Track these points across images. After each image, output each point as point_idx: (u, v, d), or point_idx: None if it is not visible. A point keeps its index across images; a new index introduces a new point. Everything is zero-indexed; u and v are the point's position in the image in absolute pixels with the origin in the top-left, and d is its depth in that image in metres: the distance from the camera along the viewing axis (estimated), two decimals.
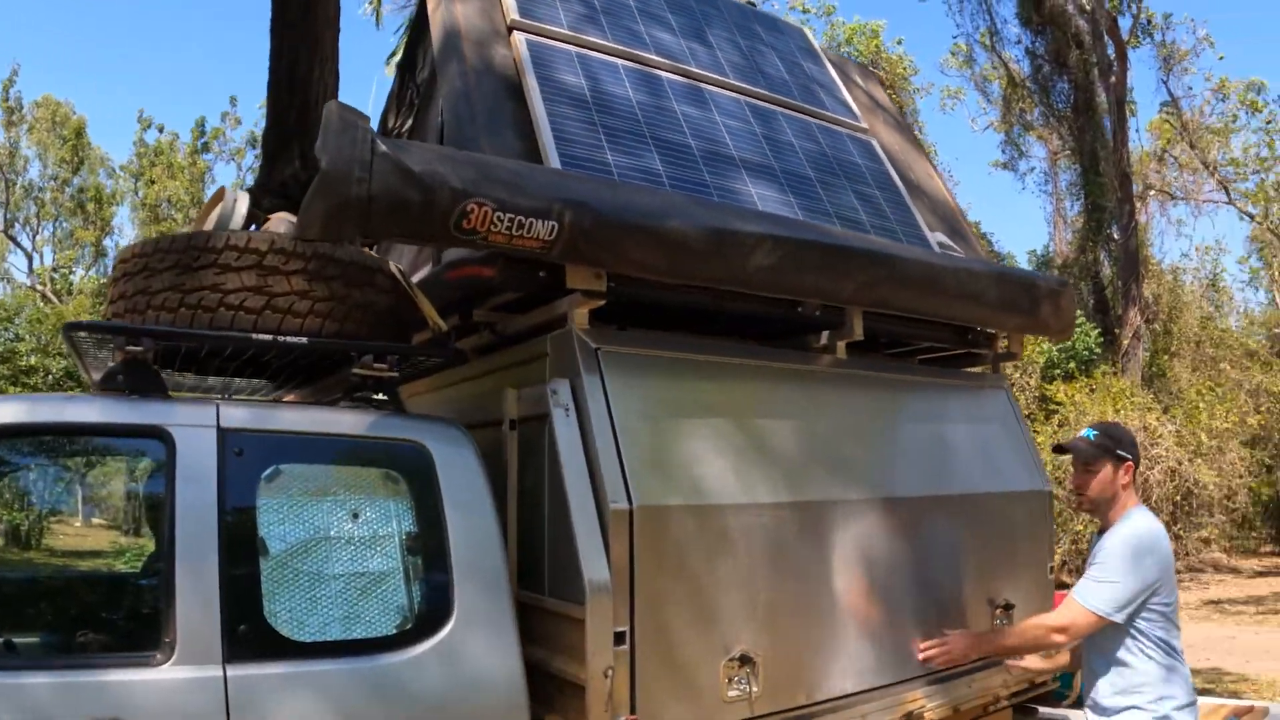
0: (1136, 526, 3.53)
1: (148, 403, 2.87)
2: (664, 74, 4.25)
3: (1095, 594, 3.43)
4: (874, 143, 5.18)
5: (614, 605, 2.95)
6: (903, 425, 4.18)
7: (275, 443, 2.94)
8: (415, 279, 3.62)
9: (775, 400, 3.71)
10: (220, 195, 3.59)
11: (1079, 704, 5.46)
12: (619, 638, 2.95)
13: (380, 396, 3.30)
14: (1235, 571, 22.32)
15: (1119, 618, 3.40)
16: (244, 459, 2.84)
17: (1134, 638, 3.46)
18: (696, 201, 3.48)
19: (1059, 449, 3.88)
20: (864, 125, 5.24)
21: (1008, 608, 4.30)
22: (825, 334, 4.08)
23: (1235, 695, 9.45)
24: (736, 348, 3.71)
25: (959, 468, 4.31)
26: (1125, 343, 23.17)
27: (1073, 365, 23.18)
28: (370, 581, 2.92)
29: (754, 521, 3.37)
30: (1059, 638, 3.56)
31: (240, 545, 2.76)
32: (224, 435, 2.84)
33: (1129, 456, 3.63)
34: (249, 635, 2.67)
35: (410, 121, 4.48)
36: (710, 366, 3.56)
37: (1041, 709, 5.28)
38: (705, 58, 4.57)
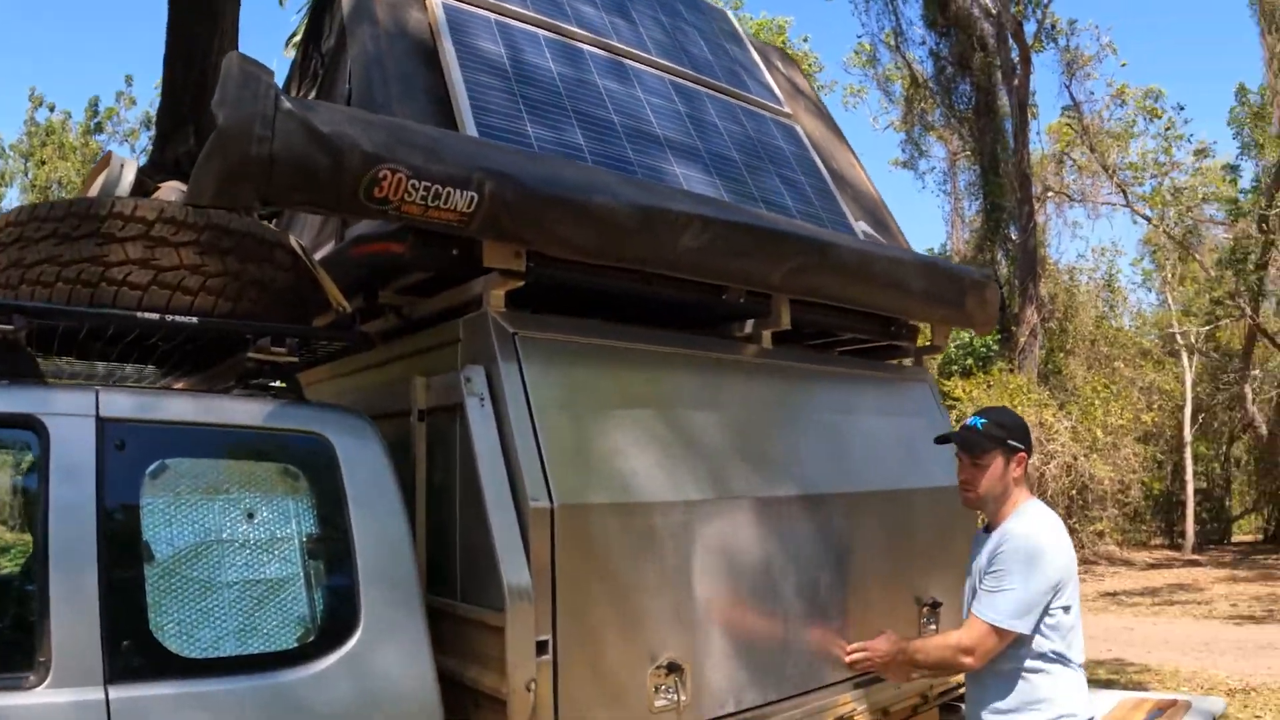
0: (1033, 523, 3.23)
1: (17, 389, 2.50)
2: (586, 47, 4.02)
3: (996, 607, 3.12)
4: (798, 128, 5.02)
5: (535, 612, 2.71)
6: (830, 419, 4.02)
7: (161, 434, 2.60)
8: (317, 256, 3.34)
9: (701, 391, 3.50)
10: (106, 161, 3.25)
11: None
12: (541, 647, 2.71)
13: (277, 384, 3.02)
14: (1128, 564, 22.88)
15: (1025, 627, 3.11)
16: (126, 452, 2.50)
17: (1027, 646, 3.15)
18: (623, 178, 3.25)
19: (942, 439, 3.54)
20: (788, 110, 5.08)
21: (935, 605, 4.18)
22: (750, 322, 3.92)
23: (1140, 686, 9.58)
24: (660, 335, 3.49)
25: (886, 463, 4.18)
26: (1022, 340, 23.58)
27: (970, 362, 23.55)
28: (268, 589, 2.61)
29: (681, 520, 3.16)
30: (967, 660, 3.19)
31: (122, 550, 2.42)
32: (104, 425, 2.48)
33: (1021, 446, 3.31)
34: (133, 652, 2.34)
35: (314, 93, 4.17)
36: (633, 354, 3.34)
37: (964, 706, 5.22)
38: (628, 33, 4.36)
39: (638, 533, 3.03)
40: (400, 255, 3.07)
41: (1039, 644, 3.14)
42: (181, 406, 2.72)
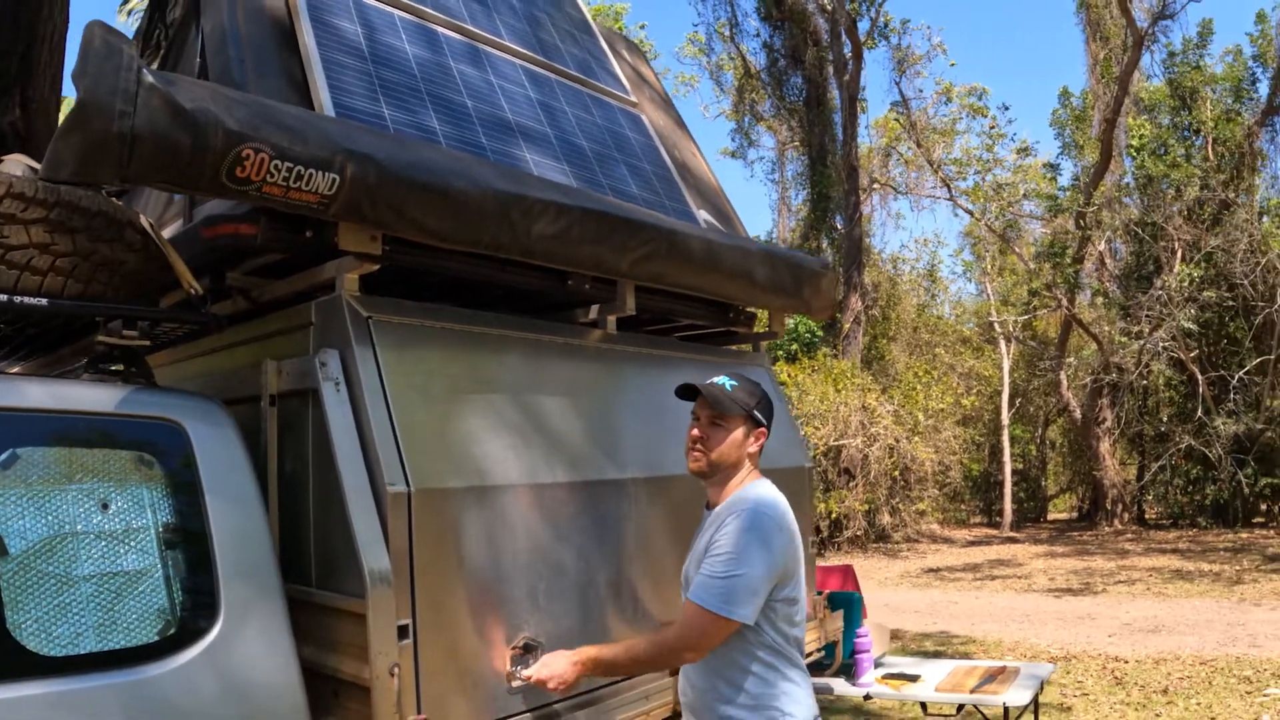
0: (761, 499, 2.95)
1: None
2: (442, 30, 4.00)
3: (719, 593, 2.79)
4: (643, 118, 5.10)
5: (395, 597, 2.71)
6: (674, 403, 4.10)
7: (10, 422, 2.48)
8: (165, 236, 3.25)
9: (552, 376, 3.55)
10: None
11: (841, 673, 5.70)
12: (402, 631, 2.72)
13: (125, 369, 2.92)
14: (949, 541, 23.88)
15: (750, 616, 2.81)
16: None
17: (746, 639, 2.88)
18: (482, 163, 3.26)
19: (687, 391, 3.19)
20: (634, 99, 5.15)
21: None
22: (595, 308, 3.98)
23: (966, 656, 10.04)
24: (512, 320, 3.51)
25: None
26: (847, 327, 24.31)
27: (795, 347, 24.19)
28: (126, 582, 2.52)
29: (535, 503, 3.21)
30: (691, 656, 2.90)
31: None
32: None
33: (764, 424, 3.11)
34: None
35: (157, 65, 4.03)
36: (485, 339, 3.35)
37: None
38: (483, 18, 4.35)
39: (493, 516, 3.06)
40: (252, 237, 2.99)
41: (766, 628, 2.90)
42: (31, 392, 2.58)
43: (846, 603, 5.60)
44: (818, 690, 5.49)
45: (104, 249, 2.78)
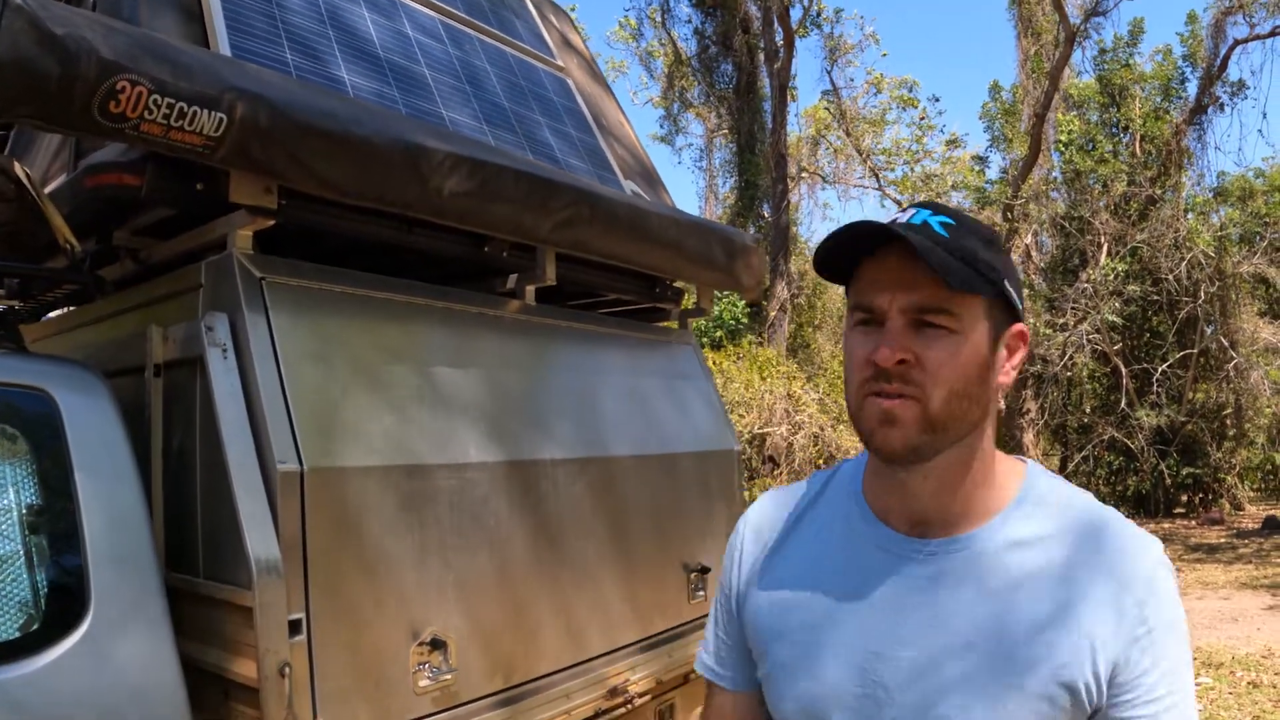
0: (1134, 532, 1.40)
1: None
2: None
3: None
4: (569, 82, 4.85)
5: (287, 588, 2.43)
6: (598, 380, 3.88)
7: None
8: (48, 190, 2.94)
9: (462, 348, 3.28)
10: None
11: None
12: (294, 627, 2.43)
13: None
14: None
15: None
16: None
17: None
18: (388, 112, 2.99)
19: (842, 245, 1.34)
20: (560, 63, 4.90)
21: (704, 571, 4.13)
22: (513, 277, 3.72)
23: None
24: (420, 288, 3.23)
25: (656, 426, 4.08)
26: (772, 314, 24.27)
27: (720, 334, 24.09)
28: None
29: (443, 484, 2.94)
30: None
31: None
32: None
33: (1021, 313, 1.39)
34: None
35: None
36: (390, 307, 3.07)
37: None
38: None
39: (396, 498, 2.78)
40: (137, 188, 2.69)
41: None
42: None
43: None
44: None
45: None
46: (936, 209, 1.35)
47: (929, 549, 1.35)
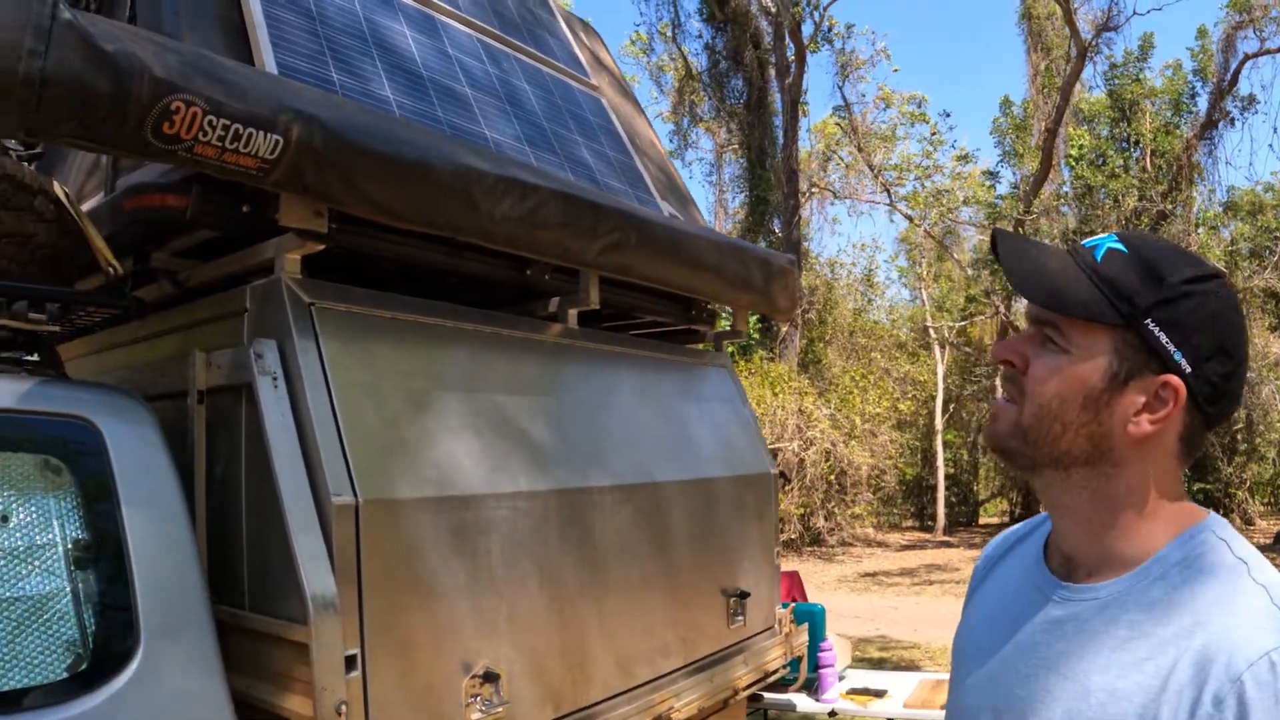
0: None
1: None
2: None
3: None
4: (603, 101, 4.79)
5: (343, 624, 2.35)
6: (639, 404, 3.82)
7: None
8: (83, 209, 2.87)
9: (509, 373, 3.22)
10: None
11: (804, 688, 5.46)
12: (349, 663, 2.35)
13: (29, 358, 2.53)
14: (884, 545, 23.88)
15: None
16: None
17: None
18: (440, 135, 2.93)
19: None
20: (594, 82, 4.85)
21: (742, 596, 4.06)
22: (554, 301, 3.67)
23: (911, 664, 9.88)
24: (468, 312, 3.16)
25: (696, 451, 4.02)
26: (783, 330, 24.21)
27: (731, 349, 24.02)
28: (30, 609, 2.11)
29: (494, 515, 2.86)
30: None
31: None
32: None
33: (1189, 364, 1.23)
34: None
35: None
36: (438, 332, 3.01)
37: (767, 695, 5.19)
38: None
39: (448, 529, 2.71)
40: (181, 210, 2.62)
41: None
42: None
43: (810, 615, 5.35)
44: (780, 708, 5.27)
45: (10, 219, 2.42)
46: (1124, 237, 1.30)
47: (1063, 592, 1.32)
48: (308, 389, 2.51)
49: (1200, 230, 23.65)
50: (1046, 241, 1.43)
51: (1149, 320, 1.22)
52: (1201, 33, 25.37)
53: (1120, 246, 1.27)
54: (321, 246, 2.68)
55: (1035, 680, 1.28)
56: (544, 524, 3.05)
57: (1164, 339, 1.22)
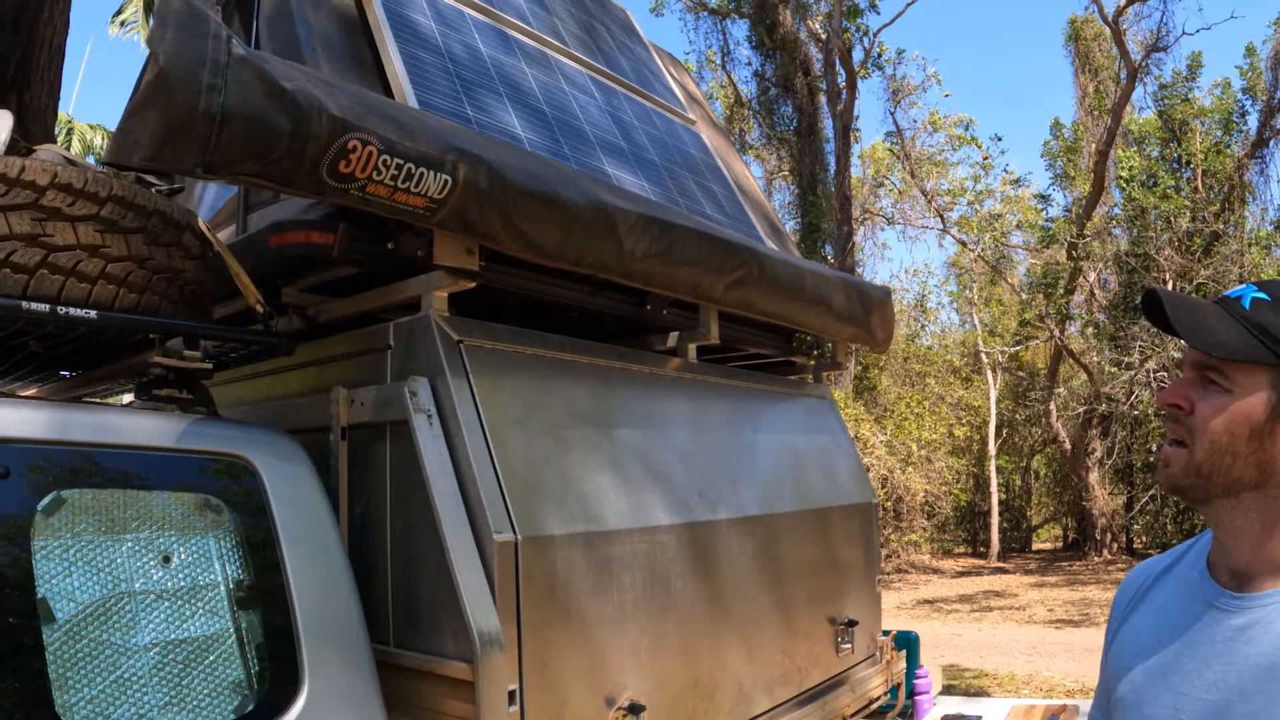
0: None
1: None
2: (511, 32, 3.69)
3: None
4: (703, 136, 4.81)
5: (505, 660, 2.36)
6: (755, 437, 3.82)
7: (56, 459, 2.03)
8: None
9: (640, 408, 3.23)
10: None
11: (903, 715, 5.40)
12: (509, 698, 2.36)
13: (182, 396, 2.54)
14: (939, 572, 23.63)
15: None
16: (12, 482, 1.94)
17: None
18: (585, 175, 2.94)
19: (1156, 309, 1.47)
20: (692, 116, 4.86)
21: (850, 624, 4.04)
22: (673, 335, 3.67)
23: (981, 690, 9.77)
24: (600, 348, 3.17)
25: (808, 481, 4.02)
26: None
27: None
28: (194, 650, 2.10)
29: (635, 549, 2.87)
30: None
31: (12, 608, 1.86)
32: None
33: None
34: None
35: None
36: (575, 367, 3.02)
37: None
38: (546, 22, 4.04)
39: (596, 564, 2.72)
40: (327, 247, 2.62)
41: None
42: (77, 423, 2.12)
43: (906, 642, 5.31)
44: None
45: (160, 255, 2.38)
46: (1263, 285, 1.47)
47: (1238, 602, 1.42)
48: (463, 426, 2.52)
49: (1253, 250, 23.32)
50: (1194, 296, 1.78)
51: None
52: (1250, 50, 25.11)
53: (1264, 295, 1.44)
54: (472, 284, 2.69)
55: (1229, 684, 1.37)
56: (678, 557, 3.05)
57: None
